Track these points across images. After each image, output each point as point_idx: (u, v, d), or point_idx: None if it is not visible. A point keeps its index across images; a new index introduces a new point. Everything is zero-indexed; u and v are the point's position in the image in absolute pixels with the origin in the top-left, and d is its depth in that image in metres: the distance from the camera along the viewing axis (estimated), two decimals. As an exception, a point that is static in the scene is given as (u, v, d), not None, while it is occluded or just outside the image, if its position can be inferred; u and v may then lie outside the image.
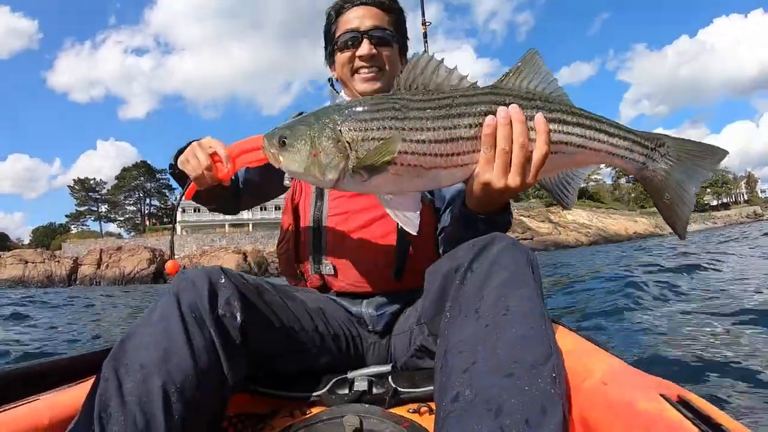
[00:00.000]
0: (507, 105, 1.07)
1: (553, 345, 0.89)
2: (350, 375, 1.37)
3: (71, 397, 1.14)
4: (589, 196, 74.17)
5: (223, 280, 1.19)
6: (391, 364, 1.43)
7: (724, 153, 1.19)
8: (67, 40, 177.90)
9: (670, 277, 7.06)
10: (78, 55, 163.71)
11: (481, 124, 1.06)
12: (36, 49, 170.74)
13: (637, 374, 0.88)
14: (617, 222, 60.33)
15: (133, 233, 66.76)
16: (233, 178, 1.66)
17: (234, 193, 1.73)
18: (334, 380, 1.36)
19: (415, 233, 1.14)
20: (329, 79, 1.80)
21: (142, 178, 72.82)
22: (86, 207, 73.30)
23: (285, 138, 1.13)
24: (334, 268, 1.56)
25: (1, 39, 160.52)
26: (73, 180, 74.04)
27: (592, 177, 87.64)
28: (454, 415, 0.83)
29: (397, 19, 1.69)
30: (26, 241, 79.31)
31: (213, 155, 1.34)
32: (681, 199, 1.17)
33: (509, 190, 1.08)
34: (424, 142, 1.06)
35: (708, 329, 3.68)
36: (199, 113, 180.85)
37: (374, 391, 1.32)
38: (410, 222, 1.14)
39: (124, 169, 74.50)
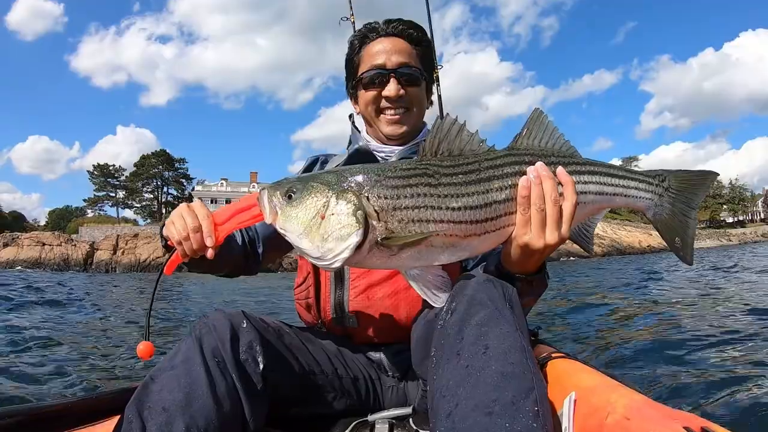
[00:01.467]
0: (528, 164, 1.10)
1: (535, 378, 0.88)
2: (370, 418, 1.37)
3: None
4: (603, 208, 73.45)
5: (244, 325, 1.21)
6: (411, 406, 1.40)
7: (715, 175, 1.30)
8: (91, 25, 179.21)
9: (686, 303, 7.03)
10: (102, 41, 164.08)
11: (509, 187, 1.08)
12: (61, 32, 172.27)
13: (660, 408, 0.88)
14: (631, 234, 59.89)
15: (149, 220, 67.51)
16: (239, 243, 1.55)
17: (245, 254, 1.57)
18: (354, 423, 1.36)
19: (439, 306, 1.10)
20: (350, 116, 1.72)
21: (160, 167, 73.36)
22: (104, 192, 74.09)
23: (294, 191, 1.03)
24: (358, 320, 1.50)
25: (27, 21, 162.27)
26: (93, 165, 74.88)
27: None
28: None
29: (425, 52, 1.63)
30: (42, 223, 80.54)
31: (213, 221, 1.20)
32: (686, 227, 1.25)
33: (548, 248, 1.09)
34: (459, 209, 1.04)
35: (730, 359, 3.63)
36: (220, 104, 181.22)
37: None
38: (439, 299, 1.10)
39: (143, 157, 75.05)
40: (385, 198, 1.01)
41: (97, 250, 47.43)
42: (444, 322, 1.03)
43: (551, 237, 1.07)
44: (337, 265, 1.01)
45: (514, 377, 0.86)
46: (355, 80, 1.61)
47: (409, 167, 1.06)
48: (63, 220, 72.80)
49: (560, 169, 1.10)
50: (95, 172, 73.69)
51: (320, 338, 1.48)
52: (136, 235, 48.76)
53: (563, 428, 1.01)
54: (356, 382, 1.46)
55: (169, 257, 1.25)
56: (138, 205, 74.42)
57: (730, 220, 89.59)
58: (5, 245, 46.98)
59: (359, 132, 1.69)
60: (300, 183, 1.03)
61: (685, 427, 0.76)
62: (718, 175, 1.33)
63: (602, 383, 1.07)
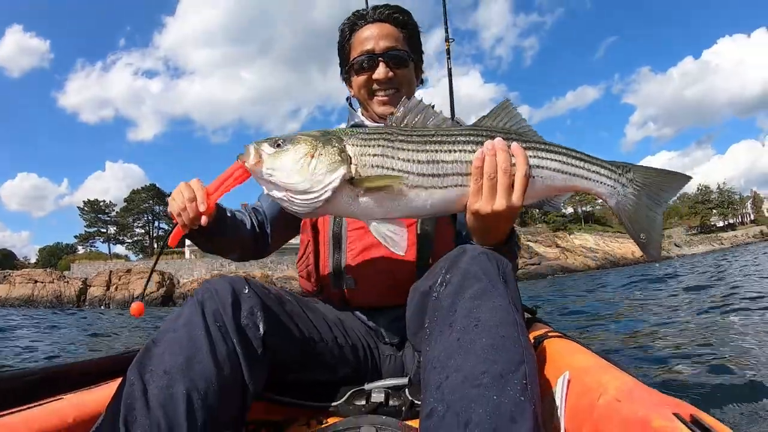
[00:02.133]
0: (485, 138, 1.19)
1: (525, 352, 0.90)
2: (367, 386, 1.39)
3: (95, 397, 1.19)
4: (595, 220, 73.95)
5: (246, 290, 1.22)
6: (407, 377, 1.43)
7: (687, 179, 1.29)
8: (78, 61, 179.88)
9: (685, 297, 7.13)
10: (88, 76, 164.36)
11: (458, 151, 1.17)
12: (47, 69, 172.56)
13: (651, 392, 0.88)
14: (624, 246, 60.05)
15: (141, 255, 67.11)
16: (248, 227, 1.67)
17: (254, 237, 1.69)
18: (351, 391, 1.38)
19: (402, 253, 1.18)
20: (347, 98, 1.84)
21: (151, 201, 73.25)
22: (95, 228, 73.73)
23: (281, 141, 1.18)
24: (355, 282, 1.55)
25: (13, 57, 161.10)
26: (83, 201, 74.70)
27: (599, 201, 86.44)
28: None
29: (411, 35, 1.72)
30: (33, 260, 79.65)
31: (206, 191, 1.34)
32: (651, 223, 1.25)
33: (498, 215, 1.14)
34: (408, 161, 1.16)
35: (721, 349, 3.72)
36: (208, 137, 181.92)
37: (391, 403, 1.34)
38: (397, 242, 1.18)
39: (134, 192, 74.99)
40: (358, 146, 1.17)
41: (90, 286, 46.80)
42: (438, 294, 1.06)
43: (500, 203, 1.13)
44: (325, 196, 1.13)
45: (504, 350, 0.88)
46: (347, 66, 1.72)
47: (376, 129, 1.23)
48: (54, 257, 72.03)
49: (514, 144, 1.17)
50: (86, 208, 73.45)
51: (321, 307, 1.52)
52: (128, 271, 48.27)
53: (555, 407, 1.03)
54: (355, 351, 1.48)
55: (172, 230, 1.41)
56: (129, 241, 74.11)
57: (720, 224, 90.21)
58: (-4, 283, 46.29)
59: (355, 111, 1.80)
60: (286, 137, 1.19)
61: (675, 413, 0.77)
62: (690, 179, 1.31)
63: (596, 364, 1.08)
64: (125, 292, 44.81)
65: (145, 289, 1.53)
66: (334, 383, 1.42)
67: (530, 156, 1.19)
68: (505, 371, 0.85)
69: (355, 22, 1.70)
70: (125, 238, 74.25)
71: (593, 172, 1.25)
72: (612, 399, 0.89)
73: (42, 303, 43.37)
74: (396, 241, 1.17)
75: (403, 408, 1.32)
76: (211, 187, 1.34)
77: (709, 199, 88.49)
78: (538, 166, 1.21)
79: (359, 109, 1.80)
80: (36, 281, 46.33)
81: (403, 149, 1.18)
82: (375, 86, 1.66)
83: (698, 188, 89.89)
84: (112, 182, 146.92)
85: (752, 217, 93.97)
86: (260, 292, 1.26)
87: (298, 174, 1.13)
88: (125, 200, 74.66)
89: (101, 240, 74.08)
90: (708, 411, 0.78)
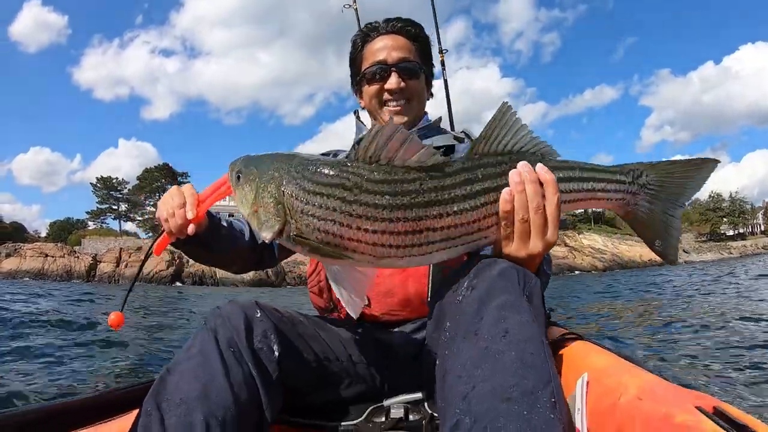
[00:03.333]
0: (481, 192, 1.02)
1: (552, 371, 0.87)
2: (386, 403, 1.37)
3: (113, 431, 1.18)
4: (605, 222, 73.53)
5: (258, 314, 1.22)
6: (425, 390, 1.38)
7: (714, 163, 1.13)
8: (95, 37, 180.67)
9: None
10: (105, 53, 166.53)
11: (454, 213, 1.00)
12: (64, 44, 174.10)
13: (672, 388, 0.88)
14: (632, 248, 59.76)
15: (150, 234, 67.49)
16: (247, 237, 1.59)
17: (252, 247, 1.60)
18: (370, 409, 1.36)
19: (354, 316, 1.08)
20: (355, 111, 1.84)
21: (163, 180, 73.48)
22: (107, 205, 74.24)
23: (240, 175, 1.08)
24: (369, 299, 1.51)
25: (30, 32, 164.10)
26: (96, 178, 74.97)
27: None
28: None
29: (423, 47, 1.73)
30: (43, 234, 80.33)
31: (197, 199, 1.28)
32: (667, 228, 1.13)
33: (533, 255, 1.05)
34: (375, 232, 0.96)
35: (742, 341, 3.76)
36: (222, 119, 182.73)
37: (411, 418, 1.31)
38: (352, 305, 1.06)
39: (146, 170, 75.29)
40: (296, 199, 0.98)
41: (100, 262, 47.51)
42: (462, 298, 1.01)
43: (535, 245, 1.05)
44: (269, 240, 1.05)
45: (533, 367, 0.85)
46: (359, 76, 1.73)
47: (329, 173, 0.99)
48: (64, 232, 72.45)
49: (539, 167, 1.02)
50: (98, 185, 73.78)
51: (333, 325, 1.48)
52: (139, 248, 48.76)
53: (576, 409, 1.00)
54: (370, 368, 1.46)
55: (158, 237, 1.34)
56: (140, 218, 74.50)
57: (730, 233, 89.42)
58: (8, 255, 47.09)
59: (364, 125, 1.80)
60: (245, 166, 1.07)
61: (697, 407, 0.76)
62: (718, 162, 1.14)
63: (615, 364, 1.08)
64: (135, 270, 44.84)
65: (125, 302, 1.40)
66: (351, 401, 1.41)
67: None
68: (535, 388, 0.82)
69: (367, 33, 1.71)
70: (136, 215, 74.67)
71: (600, 189, 1.11)
72: (633, 398, 0.88)
73: (52, 276, 44.05)
74: (353, 302, 1.07)
75: (424, 421, 1.29)
76: (204, 194, 1.28)
77: (720, 206, 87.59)
78: (562, 191, 1.06)
79: (369, 124, 1.79)
80: (47, 255, 47.04)
81: (365, 217, 0.96)
82: (386, 96, 1.67)
83: (710, 195, 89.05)
84: (125, 160, 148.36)
85: (762, 228, 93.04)
86: (272, 315, 1.26)
87: (252, 222, 1.07)
88: (138, 178, 74.89)
89: (112, 217, 74.64)
90: (732, 403, 0.77)
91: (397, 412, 1.31)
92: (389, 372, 1.49)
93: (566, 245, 57.54)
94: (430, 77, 1.80)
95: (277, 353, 1.18)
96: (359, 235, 0.96)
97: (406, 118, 1.67)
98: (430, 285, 1.46)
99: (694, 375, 3.01)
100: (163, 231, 1.31)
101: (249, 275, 40.92)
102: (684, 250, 67.48)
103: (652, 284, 15.19)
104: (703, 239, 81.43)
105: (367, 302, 1.15)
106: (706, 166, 1.13)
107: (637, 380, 0.93)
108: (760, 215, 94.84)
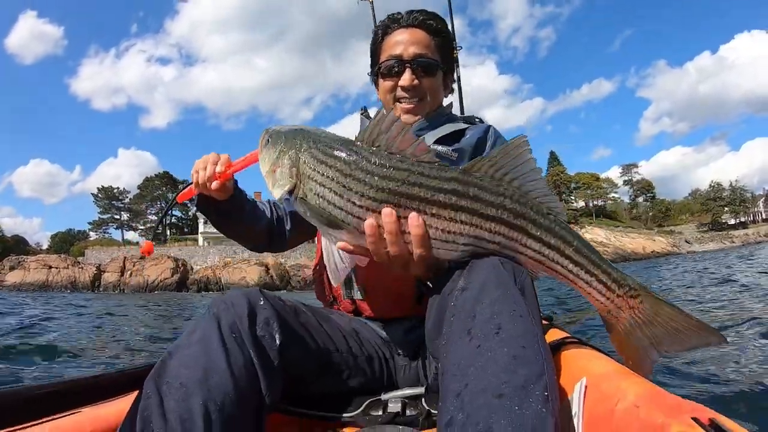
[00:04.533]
0: (470, 197, 1.03)
1: (546, 364, 0.87)
2: (383, 397, 1.38)
3: (112, 411, 1.18)
4: (606, 215, 73.50)
5: (262, 302, 1.22)
6: (423, 386, 1.41)
7: (721, 340, 1.03)
8: (91, 47, 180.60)
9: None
10: (102, 63, 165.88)
11: (431, 215, 1.03)
12: (61, 55, 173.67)
13: (670, 397, 0.87)
14: (635, 241, 59.80)
15: (154, 243, 67.40)
16: (267, 217, 1.68)
17: (269, 229, 1.69)
18: (367, 402, 1.37)
19: (335, 284, 1.17)
20: (363, 107, 1.85)
21: (164, 188, 73.75)
22: (109, 215, 74.52)
23: (270, 138, 1.18)
24: (365, 292, 1.54)
25: (27, 43, 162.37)
26: (97, 188, 75.43)
27: (610, 195, 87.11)
28: None
29: (443, 42, 1.70)
30: (44, 246, 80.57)
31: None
32: (642, 358, 1.08)
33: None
34: (361, 207, 1.04)
35: (741, 352, 3.57)
36: (221, 124, 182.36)
37: (407, 412, 1.32)
38: (335, 271, 1.12)
39: (147, 179, 75.75)
40: (307, 165, 1.09)
41: (104, 272, 47.45)
42: (455, 300, 1.02)
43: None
44: (279, 198, 1.15)
45: (525, 361, 0.85)
46: (376, 68, 1.72)
47: (337, 147, 1.08)
48: (66, 244, 72.79)
49: (413, 215, 1.03)
50: (99, 195, 74.18)
51: (336, 317, 1.51)
52: (143, 257, 48.80)
53: (573, 413, 1.01)
54: (370, 361, 1.47)
55: (185, 187, 1.50)
56: (142, 227, 74.70)
57: (732, 222, 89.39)
58: (11, 268, 46.96)
59: (369, 119, 1.77)
60: (276, 134, 1.18)
61: (694, 418, 0.76)
62: (726, 342, 1.04)
63: (614, 370, 1.07)
64: (139, 278, 45.29)
65: (155, 230, 1.69)
66: (350, 394, 1.42)
67: (536, 246, 1.06)
68: (527, 382, 0.82)
69: (388, 25, 1.69)
70: (138, 224, 74.93)
71: (584, 281, 1.07)
72: (630, 405, 0.88)
73: (57, 288, 43.93)
74: (336, 268, 1.13)
75: (420, 417, 1.31)
76: (237, 162, 1.41)
77: (721, 196, 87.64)
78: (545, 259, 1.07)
79: None
80: (51, 267, 46.76)
81: (355, 191, 1.04)
82: (400, 92, 1.65)
83: (710, 185, 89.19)
84: (125, 169, 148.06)
85: (764, 216, 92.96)
86: (275, 303, 1.27)
87: (269, 181, 1.17)
88: (139, 187, 75.32)
89: (114, 226, 74.87)
90: (728, 415, 0.76)
91: (394, 407, 1.33)
92: (389, 366, 1.52)
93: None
94: (449, 73, 1.79)
95: (278, 341, 1.19)
96: (348, 206, 1.05)
97: (417, 117, 1.66)
98: (417, 284, 1.48)
99: (693, 381, 2.96)
100: (190, 183, 1.46)
101: (254, 279, 41.55)
102: (686, 241, 67.64)
103: (657, 279, 15.11)
104: (704, 229, 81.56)
105: (349, 271, 1.20)
106: (711, 338, 1.03)
107: (635, 388, 0.93)
108: (760, 203, 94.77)
